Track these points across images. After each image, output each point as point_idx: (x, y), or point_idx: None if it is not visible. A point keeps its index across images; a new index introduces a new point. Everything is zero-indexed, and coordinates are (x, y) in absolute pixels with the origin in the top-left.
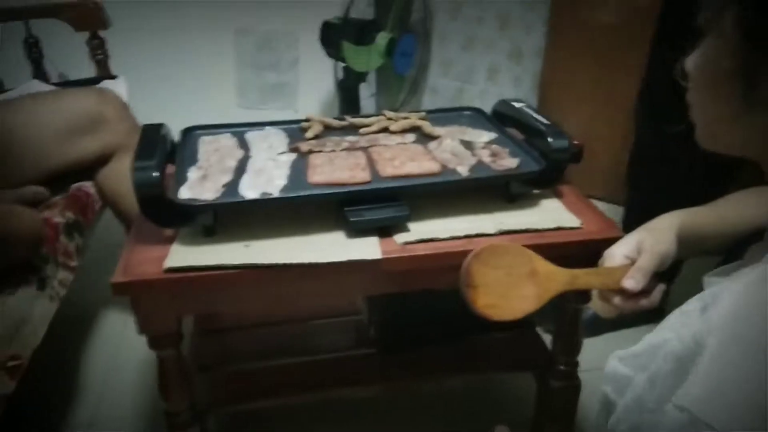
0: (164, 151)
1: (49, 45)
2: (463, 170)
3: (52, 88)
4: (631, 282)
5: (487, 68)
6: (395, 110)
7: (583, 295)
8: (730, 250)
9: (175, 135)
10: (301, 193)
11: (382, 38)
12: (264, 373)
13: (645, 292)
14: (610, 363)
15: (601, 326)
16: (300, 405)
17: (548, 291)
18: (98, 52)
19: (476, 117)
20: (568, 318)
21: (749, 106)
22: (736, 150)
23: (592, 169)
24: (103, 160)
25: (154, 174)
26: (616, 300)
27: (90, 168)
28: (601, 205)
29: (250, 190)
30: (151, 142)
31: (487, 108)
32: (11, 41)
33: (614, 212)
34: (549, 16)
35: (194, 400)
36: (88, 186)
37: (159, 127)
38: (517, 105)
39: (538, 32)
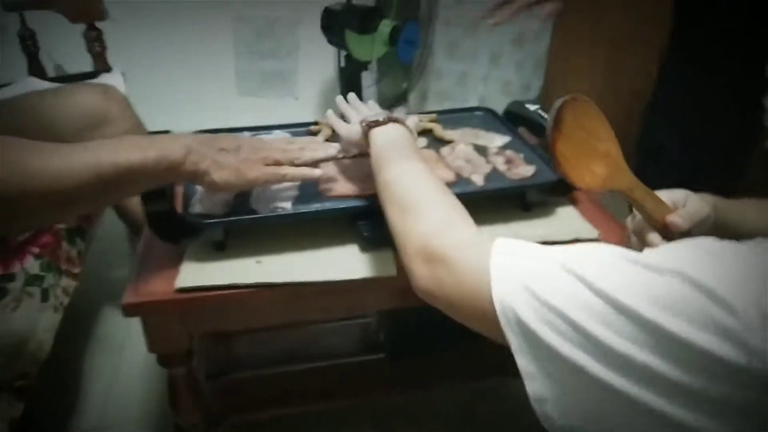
0: None
1: (44, 37)
2: (478, 179)
3: (50, 85)
4: (678, 219)
5: (490, 52)
6: (398, 96)
7: None
8: None
9: (179, 127)
10: (313, 209)
11: (385, 26)
12: (273, 380)
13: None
14: None
15: None
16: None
17: (612, 180)
18: (95, 44)
19: (488, 118)
20: None
21: None
22: None
23: None
24: None
25: (163, 193)
26: (653, 237)
27: None
28: None
29: (261, 203)
30: None
31: (493, 93)
32: (5, 34)
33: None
34: None
35: (205, 413)
36: None
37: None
38: (531, 107)
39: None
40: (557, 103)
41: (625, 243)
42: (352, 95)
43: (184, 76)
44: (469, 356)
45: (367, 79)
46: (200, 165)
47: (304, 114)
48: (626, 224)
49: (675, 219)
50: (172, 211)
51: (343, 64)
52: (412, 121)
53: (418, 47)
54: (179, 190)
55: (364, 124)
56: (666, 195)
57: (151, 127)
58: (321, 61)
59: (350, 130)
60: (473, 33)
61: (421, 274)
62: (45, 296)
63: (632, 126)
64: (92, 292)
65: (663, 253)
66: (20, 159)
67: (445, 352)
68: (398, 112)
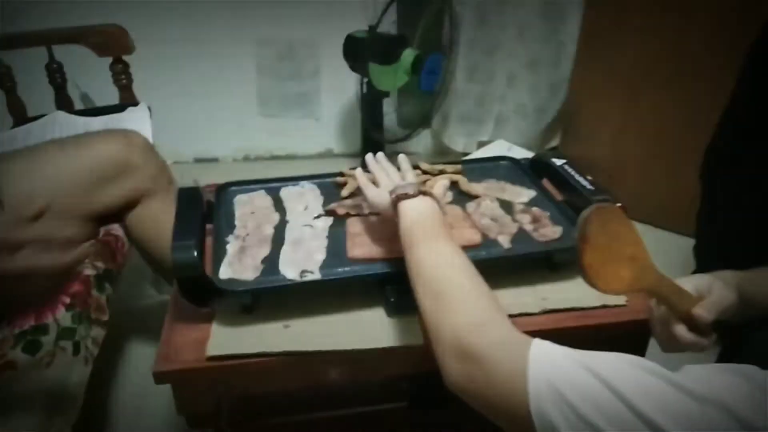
0: (202, 224)
1: (71, 67)
2: (505, 241)
3: (77, 119)
4: (703, 312)
5: (506, 74)
6: (419, 122)
7: None
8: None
9: (202, 150)
10: (340, 274)
11: (407, 55)
12: (295, 429)
13: (703, 333)
14: None
15: None
16: None
17: (639, 282)
18: (122, 77)
19: (513, 169)
20: None
21: None
22: None
23: (619, 187)
24: (130, 204)
25: (194, 254)
26: (679, 329)
27: (117, 213)
28: None
29: (289, 267)
30: (187, 215)
31: (509, 114)
32: (33, 66)
33: (642, 231)
34: (580, 35)
35: None
36: (116, 228)
37: (194, 192)
38: (558, 162)
39: (554, 42)
40: (584, 215)
41: (651, 316)
42: (381, 155)
43: (208, 102)
44: None
45: (388, 105)
46: None
47: (326, 136)
48: (651, 309)
49: (700, 312)
50: (203, 277)
51: (364, 90)
52: (440, 188)
53: (440, 77)
54: (208, 248)
55: (393, 196)
56: (690, 283)
57: (176, 155)
58: (342, 83)
59: (378, 197)
60: (492, 55)
61: (454, 369)
62: (77, 349)
63: (654, 154)
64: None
65: (704, 378)
66: None
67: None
68: (421, 137)
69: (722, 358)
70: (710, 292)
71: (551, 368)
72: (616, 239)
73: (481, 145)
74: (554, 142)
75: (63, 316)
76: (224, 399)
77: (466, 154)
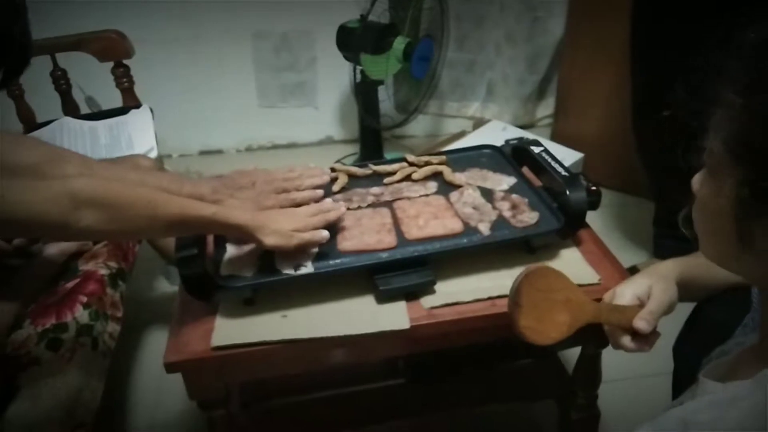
0: None
1: (75, 73)
2: (485, 228)
3: (83, 123)
4: (643, 323)
5: (494, 44)
6: (415, 105)
7: (603, 340)
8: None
9: (206, 142)
10: (332, 267)
11: (399, 43)
12: (302, 408)
13: (648, 336)
14: None
15: None
16: None
17: (578, 321)
18: (123, 80)
19: (495, 157)
20: (586, 360)
21: (745, 249)
22: (738, 273)
23: (613, 161)
24: None
25: (197, 258)
26: (625, 340)
27: None
28: (619, 196)
29: (284, 261)
30: None
31: (497, 81)
32: (39, 73)
33: (631, 202)
34: (567, 12)
35: None
36: None
37: None
38: (536, 150)
39: (528, 19)
40: (514, 284)
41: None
42: None
43: (209, 96)
44: (484, 380)
45: (383, 92)
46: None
47: (325, 123)
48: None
49: (640, 324)
50: (206, 275)
51: (358, 79)
52: None
53: (431, 62)
54: (210, 246)
55: None
56: (630, 291)
57: (182, 148)
58: (339, 71)
59: None
60: (480, 26)
61: None
62: (95, 344)
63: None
64: (131, 317)
65: None
66: None
67: (461, 378)
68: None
69: (683, 333)
70: (650, 296)
71: None
72: (546, 290)
73: (477, 124)
74: (547, 111)
75: (81, 314)
76: (232, 385)
77: (462, 133)
